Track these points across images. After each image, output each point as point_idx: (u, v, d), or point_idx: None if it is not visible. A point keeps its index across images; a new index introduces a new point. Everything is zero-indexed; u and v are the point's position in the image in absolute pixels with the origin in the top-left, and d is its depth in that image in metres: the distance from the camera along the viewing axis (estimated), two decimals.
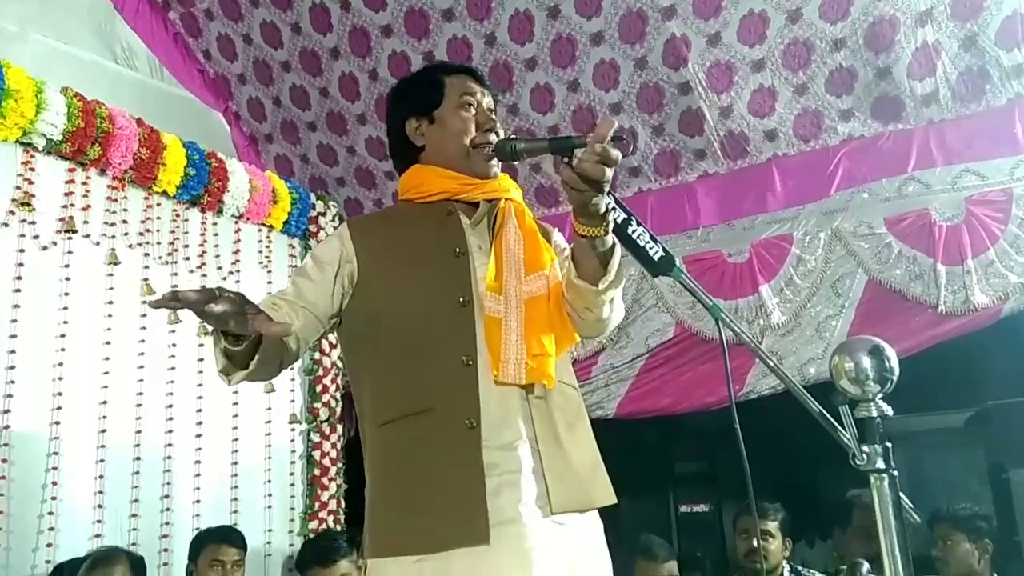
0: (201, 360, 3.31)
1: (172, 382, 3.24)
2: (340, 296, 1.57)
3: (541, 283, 1.56)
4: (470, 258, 1.56)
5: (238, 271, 3.63)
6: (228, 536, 3.01)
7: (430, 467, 1.44)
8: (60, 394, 2.86)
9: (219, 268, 3.55)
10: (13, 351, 2.75)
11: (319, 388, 3.91)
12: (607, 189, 1.33)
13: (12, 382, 2.73)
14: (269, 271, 3.78)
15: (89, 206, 3.08)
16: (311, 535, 3.64)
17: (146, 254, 3.28)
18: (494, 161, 1.62)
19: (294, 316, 1.50)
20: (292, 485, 3.74)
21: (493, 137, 1.62)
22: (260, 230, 3.81)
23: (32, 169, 2.91)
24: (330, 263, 1.57)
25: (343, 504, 3.87)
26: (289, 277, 1.62)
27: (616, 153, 1.28)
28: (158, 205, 3.36)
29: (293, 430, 3.81)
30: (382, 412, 1.50)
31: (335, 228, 4.08)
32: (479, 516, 1.38)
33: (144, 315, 3.19)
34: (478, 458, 1.42)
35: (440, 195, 1.62)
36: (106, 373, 3.02)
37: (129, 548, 2.82)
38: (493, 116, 1.67)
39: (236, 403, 3.47)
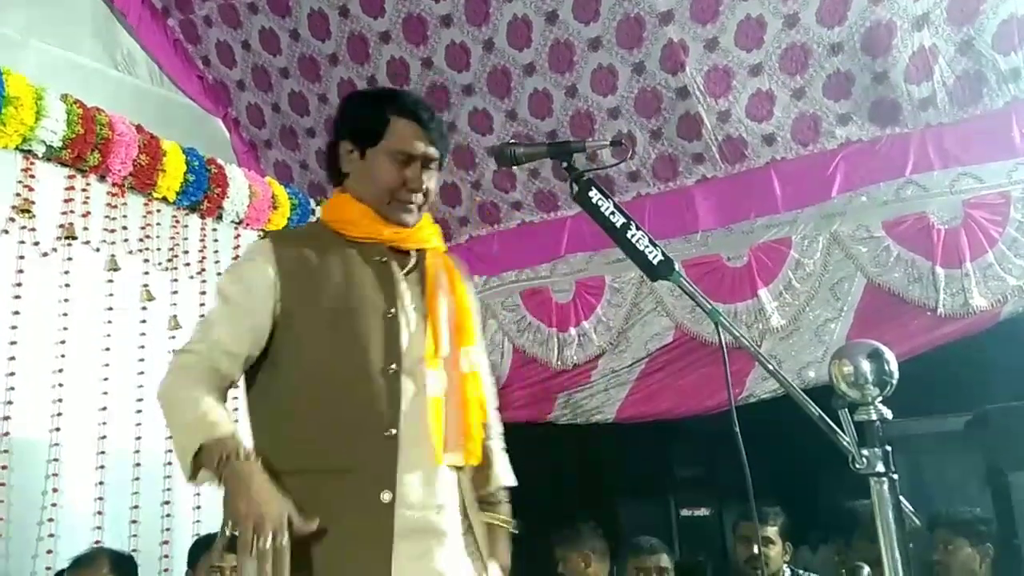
0: None
1: None
2: (269, 336, 1.55)
3: (472, 359, 1.61)
4: (400, 320, 1.55)
5: None
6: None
7: (339, 533, 1.42)
8: (60, 400, 2.86)
9: (219, 274, 3.54)
10: (13, 357, 2.75)
11: None
12: None
13: (12, 388, 2.73)
14: None
15: (89, 212, 3.09)
16: None
17: (146, 260, 3.28)
18: (411, 213, 1.61)
19: (236, 370, 1.53)
20: None
21: (415, 198, 1.60)
22: (260, 236, 3.82)
23: (32, 176, 2.92)
24: (264, 302, 1.52)
25: None
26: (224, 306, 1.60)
27: None
28: (158, 211, 3.37)
29: None
30: (291, 459, 1.47)
31: None
32: None
33: (144, 321, 3.20)
34: (389, 532, 1.43)
35: (372, 239, 1.60)
36: (106, 379, 3.02)
37: (125, 552, 2.82)
38: (424, 177, 1.61)
39: (236, 408, 3.46)
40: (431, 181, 1.63)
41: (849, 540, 3.20)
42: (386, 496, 1.44)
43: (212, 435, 1.41)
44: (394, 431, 1.48)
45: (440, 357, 1.55)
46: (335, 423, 1.48)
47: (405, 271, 1.61)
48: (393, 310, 1.55)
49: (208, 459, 1.40)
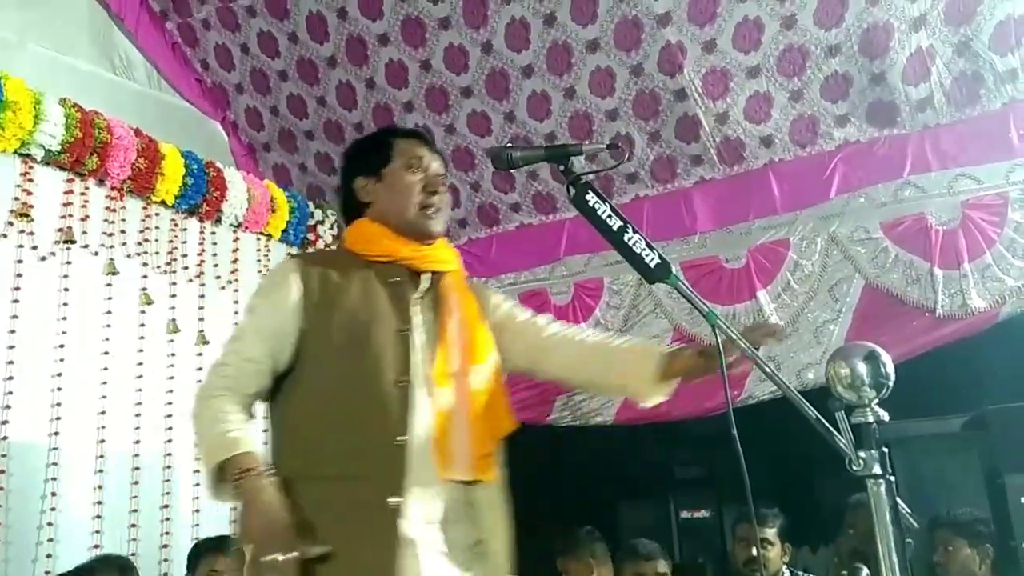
0: (200, 369, 3.31)
1: (171, 391, 3.24)
2: (294, 349, 1.63)
3: (484, 376, 1.66)
4: (411, 337, 1.63)
5: (236, 280, 3.63)
6: (225, 546, 3.00)
7: (348, 536, 1.48)
8: (59, 404, 2.85)
9: (217, 277, 3.56)
10: (12, 361, 2.75)
11: None
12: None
13: (11, 392, 2.73)
14: None
15: (88, 216, 3.09)
16: None
17: (145, 264, 3.28)
18: (437, 221, 1.71)
19: (264, 382, 1.60)
20: None
21: (437, 199, 1.71)
22: (259, 239, 3.82)
23: (31, 180, 2.92)
24: (289, 318, 1.61)
25: None
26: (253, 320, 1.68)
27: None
28: (156, 215, 3.37)
29: None
30: (307, 466, 1.55)
31: (333, 236, 4.09)
32: None
33: (143, 324, 3.20)
34: (393, 535, 1.48)
35: (390, 258, 1.69)
36: (105, 383, 3.02)
37: (128, 557, 2.82)
38: (440, 180, 1.74)
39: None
40: (445, 194, 1.75)
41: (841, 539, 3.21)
42: (393, 501, 1.49)
43: (232, 452, 1.48)
44: (404, 438, 1.53)
45: (450, 375, 1.62)
46: (348, 431, 1.54)
47: (419, 293, 1.69)
48: (406, 327, 1.63)
49: (228, 475, 1.47)
